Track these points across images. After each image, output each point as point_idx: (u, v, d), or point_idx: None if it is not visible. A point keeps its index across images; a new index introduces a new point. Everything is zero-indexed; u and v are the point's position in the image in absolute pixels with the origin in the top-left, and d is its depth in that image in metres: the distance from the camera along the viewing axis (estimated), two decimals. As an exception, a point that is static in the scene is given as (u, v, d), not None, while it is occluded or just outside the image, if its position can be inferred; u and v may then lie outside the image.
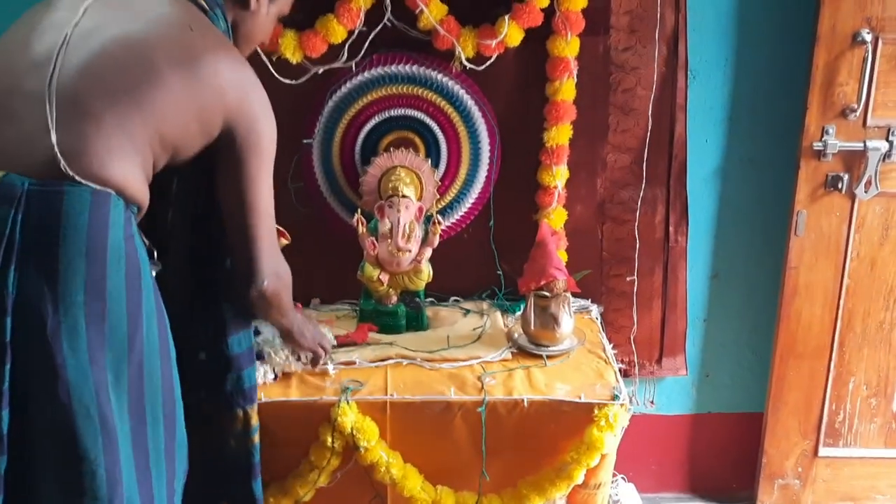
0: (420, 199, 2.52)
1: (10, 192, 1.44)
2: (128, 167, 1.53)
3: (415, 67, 2.47)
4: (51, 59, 1.51)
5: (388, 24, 2.40)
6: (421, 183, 2.53)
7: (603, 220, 2.68)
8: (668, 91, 2.56)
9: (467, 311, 2.63)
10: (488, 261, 2.67)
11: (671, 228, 2.70)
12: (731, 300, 2.83)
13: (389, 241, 2.46)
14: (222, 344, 1.86)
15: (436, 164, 2.57)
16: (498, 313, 2.60)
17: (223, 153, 1.66)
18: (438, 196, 2.58)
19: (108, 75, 1.52)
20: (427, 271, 2.51)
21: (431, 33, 2.42)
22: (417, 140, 2.56)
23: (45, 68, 1.51)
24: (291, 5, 1.92)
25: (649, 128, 2.58)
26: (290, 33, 2.39)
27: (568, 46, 2.43)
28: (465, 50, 2.40)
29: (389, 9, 2.38)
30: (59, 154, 1.46)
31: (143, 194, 1.58)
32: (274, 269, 1.79)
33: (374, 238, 2.48)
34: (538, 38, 2.44)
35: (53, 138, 1.46)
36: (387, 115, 2.53)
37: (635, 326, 2.77)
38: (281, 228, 2.06)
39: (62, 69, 1.50)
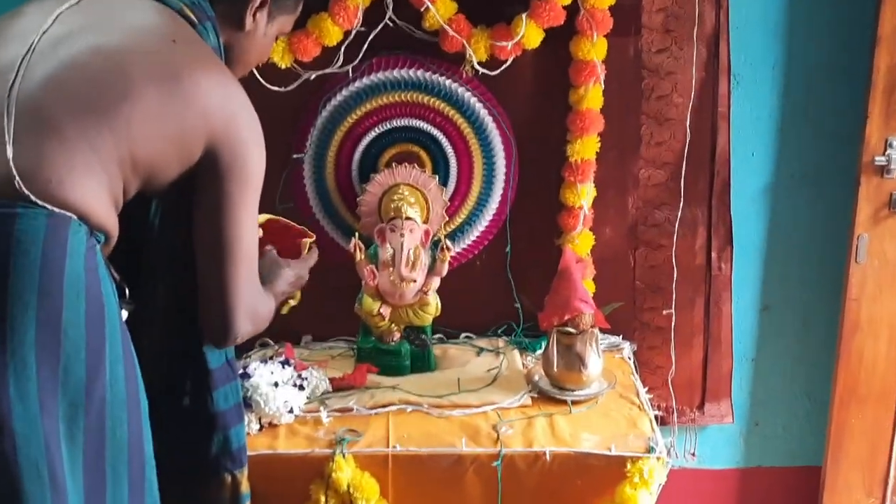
0: (426, 221, 2.48)
1: None
2: (92, 188, 1.48)
3: (420, 72, 2.45)
4: (13, 68, 1.48)
5: (390, 23, 2.38)
6: (427, 203, 2.49)
7: (635, 244, 2.65)
8: (709, 98, 2.53)
9: (480, 350, 2.59)
10: (504, 292, 2.63)
11: (714, 254, 2.66)
12: (784, 337, 2.80)
13: (391, 269, 2.43)
14: (206, 398, 1.80)
15: (444, 182, 2.53)
16: (516, 352, 2.57)
17: (203, 180, 1.61)
18: (447, 218, 2.54)
19: (75, 86, 1.49)
20: (434, 304, 2.47)
21: (438, 34, 2.38)
22: (423, 154, 2.53)
23: (6, 77, 1.47)
24: (293, 23, 1.92)
25: (687, 140, 2.55)
26: (281, 44, 2.36)
27: (594, 48, 2.40)
28: (476, 52, 2.38)
29: (391, 6, 2.35)
30: (13, 170, 1.41)
31: (109, 221, 1.53)
32: (252, 314, 1.73)
33: (373, 266, 2.45)
34: (560, 38, 2.41)
35: (9, 153, 1.41)
36: (388, 126, 2.51)
37: (673, 367, 2.71)
38: (304, 228, 2.06)
39: (24, 79, 1.47)
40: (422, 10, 2.33)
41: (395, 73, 2.45)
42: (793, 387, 2.83)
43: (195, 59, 1.60)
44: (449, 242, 2.45)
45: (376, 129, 2.50)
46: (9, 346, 1.38)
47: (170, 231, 1.73)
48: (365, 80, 2.45)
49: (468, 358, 2.54)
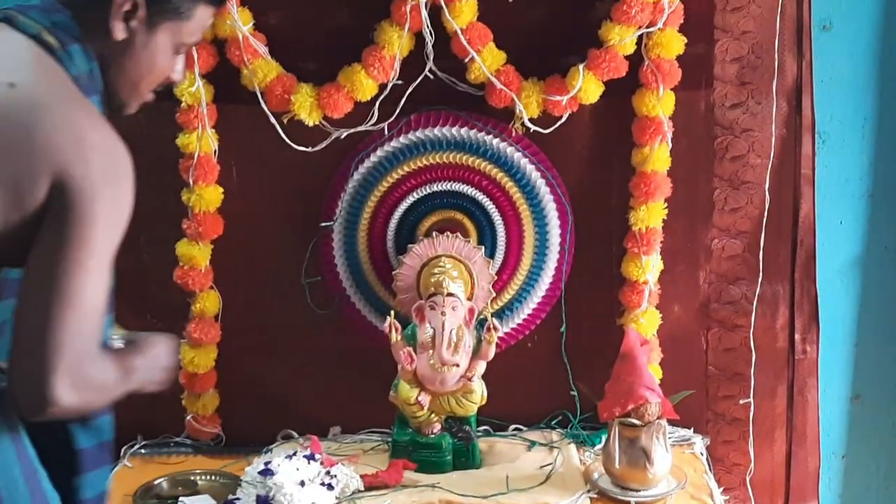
0: (470, 297, 2.43)
1: None
2: None
3: (464, 130, 2.43)
4: None
5: (430, 75, 2.36)
6: (472, 277, 2.45)
7: (708, 325, 2.59)
8: (790, 159, 2.50)
9: (532, 444, 2.53)
10: (559, 378, 2.57)
11: (797, 336, 2.59)
12: (878, 430, 2.76)
13: (431, 352, 2.38)
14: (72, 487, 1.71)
15: (491, 254, 2.50)
16: (572, 447, 2.50)
17: (44, 224, 1.54)
18: (494, 294, 2.48)
19: None
20: (479, 391, 2.41)
21: (485, 87, 2.37)
22: (467, 222, 2.50)
23: None
24: (196, 32, 1.79)
25: (767, 206, 2.50)
26: (306, 88, 2.34)
27: (660, 103, 2.37)
28: (527, 108, 2.36)
29: (432, 57, 2.33)
30: None
31: None
32: (78, 378, 1.55)
33: (411, 348, 2.39)
34: (621, 92, 2.40)
35: None
36: (428, 190, 2.48)
37: (752, 464, 2.62)
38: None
39: None
40: (466, 60, 2.32)
41: (437, 131, 2.43)
42: (888, 487, 2.78)
43: (35, 99, 1.54)
44: (496, 322, 2.41)
45: (415, 193, 2.48)
46: None
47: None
48: (402, 139, 2.44)
49: (518, 453, 2.48)
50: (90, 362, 1.58)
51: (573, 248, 2.52)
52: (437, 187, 2.48)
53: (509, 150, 2.43)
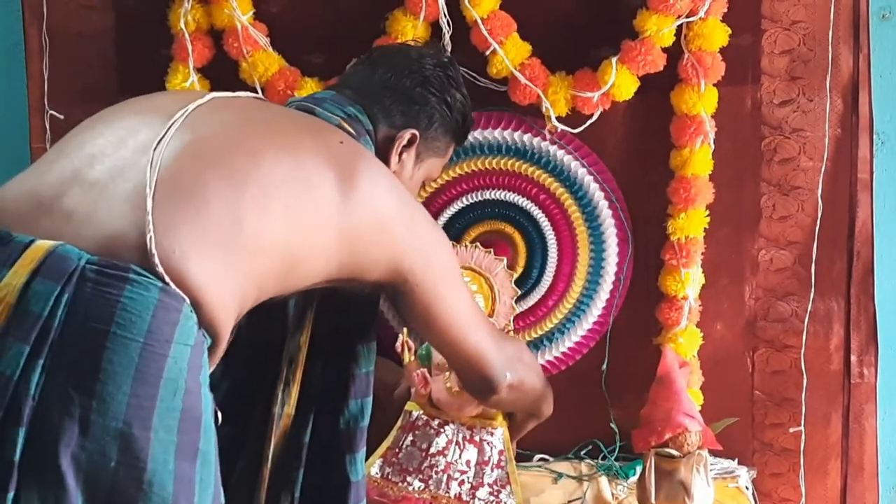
0: (491, 314, 2.37)
1: (62, 265, 1.42)
2: (218, 271, 1.50)
3: (508, 133, 2.45)
4: (164, 125, 1.57)
5: None
6: (493, 292, 2.39)
7: (754, 345, 2.56)
8: (846, 162, 2.46)
9: (559, 476, 2.50)
10: (589, 403, 2.56)
11: (853, 357, 2.55)
12: None
13: (448, 374, 2.29)
14: None
15: (538, 275, 2.53)
16: (603, 479, 2.37)
17: (399, 299, 1.79)
18: (516, 310, 2.42)
19: (232, 157, 1.56)
20: (501, 417, 2.33)
21: (508, 82, 2.37)
22: (517, 237, 2.52)
23: (152, 138, 1.55)
24: (442, 169, 2.07)
25: (820, 214, 2.48)
26: (311, 83, 2.37)
27: (701, 100, 2.35)
28: (555, 105, 2.35)
29: (449, 48, 2.32)
30: (151, 230, 1.43)
31: (223, 321, 1.52)
32: (505, 358, 1.94)
33: (425, 370, 2.31)
34: (659, 88, 2.39)
35: (149, 205, 1.45)
36: (478, 198, 2.50)
37: (804, 499, 2.57)
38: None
39: (173, 140, 1.55)
40: (487, 53, 2.31)
41: (492, 133, 2.44)
42: (958, 525, 2.67)
43: (367, 158, 1.72)
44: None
45: (462, 200, 2.49)
46: (91, 430, 1.36)
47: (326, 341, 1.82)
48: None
49: (543, 486, 2.45)
50: (501, 338, 1.98)
51: (631, 270, 2.53)
52: (487, 195, 2.49)
53: (574, 163, 2.43)
